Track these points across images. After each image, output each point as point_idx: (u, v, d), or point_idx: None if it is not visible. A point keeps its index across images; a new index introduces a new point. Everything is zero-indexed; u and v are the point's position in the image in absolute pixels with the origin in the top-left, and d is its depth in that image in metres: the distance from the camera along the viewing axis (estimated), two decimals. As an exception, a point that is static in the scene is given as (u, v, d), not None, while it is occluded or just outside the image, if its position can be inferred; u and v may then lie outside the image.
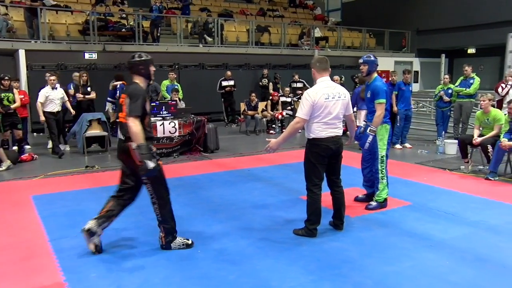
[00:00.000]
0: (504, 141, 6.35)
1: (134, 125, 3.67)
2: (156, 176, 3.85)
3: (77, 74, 10.22)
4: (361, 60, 5.13)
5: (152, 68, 4.07)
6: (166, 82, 11.31)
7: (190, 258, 3.89)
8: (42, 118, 8.54)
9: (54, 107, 8.68)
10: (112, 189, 6.16)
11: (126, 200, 4.16)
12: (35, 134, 11.52)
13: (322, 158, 4.24)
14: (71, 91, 9.87)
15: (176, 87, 10.87)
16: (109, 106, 10.82)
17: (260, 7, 19.97)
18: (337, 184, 4.48)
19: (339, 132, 4.30)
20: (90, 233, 3.91)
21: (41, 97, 8.53)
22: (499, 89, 9.33)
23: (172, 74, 11.42)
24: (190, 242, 4.14)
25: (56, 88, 8.73)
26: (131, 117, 3.70)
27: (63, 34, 13.20)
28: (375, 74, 5.15)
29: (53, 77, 8.72)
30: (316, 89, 4.22)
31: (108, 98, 10.80)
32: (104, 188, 6.25)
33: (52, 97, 8.64)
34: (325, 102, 4.16)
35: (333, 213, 4.56)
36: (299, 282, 3.44)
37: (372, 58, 5.11)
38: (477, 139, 6.85)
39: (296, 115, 4.29)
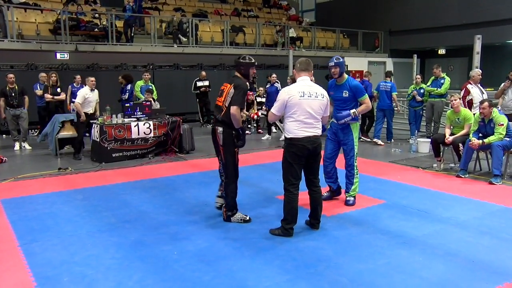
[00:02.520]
0: (474, 140, 6.51)
1: (237, 113, 4.47)
2: (232, 159, 4.64)
3: (43, 74, 10.00)
4: (332, 63, 5.19)
5: (253, 71, 4.78)
6: (140, 83, 11.15)
7: (164, 259, 3.85)
8: (83, 117, 8.41)
9: (89, 109, 8.58)
10: (85, 191, 6.11)
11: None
12: (4, 136, 11.20)
13: (299, 158, 4.25)
14: (38, 92, 9.66)
15: (150, 87, 10.75)
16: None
17: (234, 7, 19.95)
18: (314, 184, 4.50)
19: (317, 132, 4.30)
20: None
21: (80, 98, 8.46)
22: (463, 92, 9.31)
23: (147, 75, 11.26)
24: (248, 218, 4.75)
25: (94, 90, 8.72)
26: (234, 106, 4.46)
27: (32, 33, 12.87)
28: (346, 75, 5.27)
29: (92, 78, 8.73)
30: (292, 87, 4.31)
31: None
32: (78, 190, 6.15)
33: (90, 99, 8.57)
34: (299, 100, 4.19)
35: (310, 213, 4.58)
36: (275, 281, 3.45)
37: (342, 60, 5.22)
38: (449, 138, 7.02)
39: (271, 110, 4.44)
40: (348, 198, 5.44)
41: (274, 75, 13.56)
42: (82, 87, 10.39)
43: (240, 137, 4.64)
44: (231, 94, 4.52)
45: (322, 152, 4.55)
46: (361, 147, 9.68)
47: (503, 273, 3.55)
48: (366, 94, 5.32)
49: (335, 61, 5.17)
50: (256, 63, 4.82)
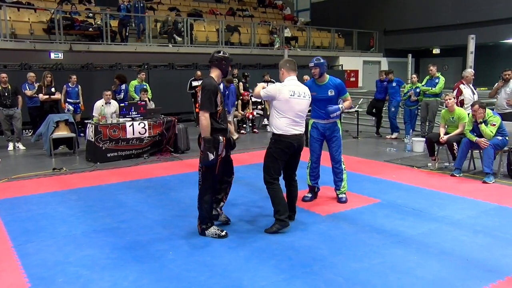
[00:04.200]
0: (480, 140, 6.49)
1: (204, 118, 4.11)
2: (210, 167, 4.23)
3: (32, 74, 9.91)
4: (312, 64, 5.22)
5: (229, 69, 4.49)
6: (134, 82, 11.00)
7: (160, 259, 3.84)
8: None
9: (107, 122, 8.44)
10: (80, 191, 6.09)
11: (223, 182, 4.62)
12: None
13: (284, 154, 4.44)
14: (28, 92, 9.58)
15: (144, 87, 10.70)
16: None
17: (229, 6, 19.95)
18: (293, 179, 4.72)
19: (302, 130, 4.51)
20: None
21: (95, 111, 8.60)
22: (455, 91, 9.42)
23: (142, 74, 11.01)
24: (223, 233, 4.32)
25: (110, 103, 8.76)
26: (201, 111, 4.13)
27: (26, 33, 12.81)
28: (327, 75, 5.34)
29: (108, 92, 8.82)
30: (283, 86, 4.43)
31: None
32: (72, 190, 6.13)
33: (105, 112, 8.53)
34: (290, 98, 4.36)
35: (288, 205, 4.61)
36: (270, 281, 3.45)
37: (322, 61, 5.24)
38: (443, 137, 7.04)
39: (260, 92, 4.54)
40: (340, 196, 5.49)
41: (267, 76, 13.58)
42: (77, 86, 10.40)
43: (212, 150, 4.09)
44: (200, 98, 4.19)
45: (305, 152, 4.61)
46: (356, 146, 9.75)
47: (497, 271, 3.58)
48: (347, 92, 5.48)
49: (315, 61, 5.21)
50: (230, 58, 4.39)
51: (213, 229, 4.36)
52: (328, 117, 5.29)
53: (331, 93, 5.27)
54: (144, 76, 10.98)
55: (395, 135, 10.56)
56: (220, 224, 4.64)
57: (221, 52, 4.36)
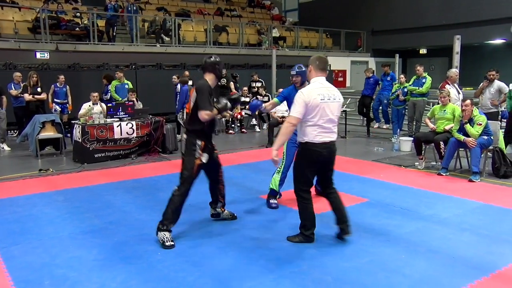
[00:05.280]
0: (469, 140, 6.56)
1: (208, 115, 4.13)
2: (189, 172, 4.26)
3: (18, 74, 9.78)
4: (294, 72, 5.17)
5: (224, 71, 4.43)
6: (114, 83, 10.60)
7: (148, 260, 3.82)
8: None
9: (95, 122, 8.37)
10: (67, 192, 6.02)
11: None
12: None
13: (313, 164, 4.04)
14: (14, 92, 9.44)
15: (126, 85, 10.52)
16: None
17: (217, 6, 19.92)
18: (330, 187, 4.28)
19: (334, 137, 4.05)
20: None
21: (82, 110, 8.68)
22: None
23: (118, 73, 10.68)
24: (168, 244, 4.07)
25: (97, 104, 8.82)
26: (202, 111, 4.12)
27: (10, 32, 12.63)
28: (307, 83, 5.21)
29: (95, 94, 8.99)
30: (310, 88, 3.96)
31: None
32: (59, 191, 6.06)
33: (93, 112, 8.53)
34: (320, 103, 3.88)
35: (336, 218, 4.24)
36: (259, 281, 3.45)
37: (304, 69, 5.15)
38: (433, 126, 7.26)
39: (290, 114, 3.99)
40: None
41: (255, 76, 13.59)
42: (66, 87, 10.29)
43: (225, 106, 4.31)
44: (194, 98, 4.27)
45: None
46: (344, 146, 9.79)
47: (482, 268, 3.62)
48: None
49: (297, 70, 5.18)
50: (222, 62, 4.47)
51: (165, 234, 4.14)
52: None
53: None
54: (121, 74, 10.66)
55: (386, 126, 10.80)
56: (225, 219, 4.82)
57: (212, 57, 4.41)
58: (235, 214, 4.90)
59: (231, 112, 11.76)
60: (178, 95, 10.65)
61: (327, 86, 4.01)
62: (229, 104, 4.34)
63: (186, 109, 4.57)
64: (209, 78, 4.35)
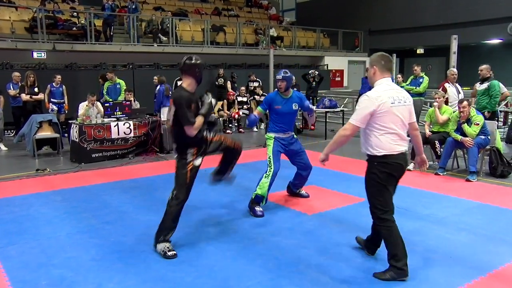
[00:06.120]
0: (466, 139, 6.57)
1: (194, 130, 3.85)
2: (184, 176, 4.03)
3: (17, 73, 9.76)
4: (279, 76, 5.14)
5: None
6: (107, 84, 10.57)
7: (145, 260, 3.81)
8: None
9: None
10: (64, 192, 6.00)
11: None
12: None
13: (393, 179, 3.53)
14: (12, 92, 9.42)
15: (118, 86, 10.51)
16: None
17: (215, 6, 19.90)
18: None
19: (407, 145, 3.58)
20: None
21: (80, 110, 8.70)
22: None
23: (109, 74, 10.62)
24: (170, 254, 3.86)
25: (93, 106, 8.86)
26: (187, 126, 3.82)
27: (7, 31, 12.59)
28: (291, 89, 5.29)
29: (93, 98, 8.86)
30: (379, 92, 3.41)
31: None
32: (56, 191, 6.04)
33: (91, 113, 8.56)
34: (391, 108, 3.38)
35: (372, 234, 3.89)
36: (257, 280, 3.45)
37: (289, 74, 5.18)
38: (429, 133, 7.19)
39: (349, 121, 3.49)
40: (303, 192, 5.70)
41: (253, 75, 13.55)
42: (62, 86, 10.27)
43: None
44: (173, 112, 3.88)
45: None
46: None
47: (479, 268, 3.63)
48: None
49: (283, 74, 5.12)
50: (203, 64, 4.03)
51: (166, 245, 3.94)
52: (289, 130, 5.27)
53: (295, 106, 5.25)
54: (112, 75, 10.62)
55: None
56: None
57: (193, 58, 3.96)
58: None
59: (228, 112, 11.77)
60: (155, 95, 10.95)
61: (395, 88, 3.54)
62: (213, 101, 4.01)
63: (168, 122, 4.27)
64: (187, 82, 3.95)
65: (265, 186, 5.05)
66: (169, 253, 3.87)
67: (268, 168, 5.11)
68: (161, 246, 3.92)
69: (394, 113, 3.39)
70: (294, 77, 5.40)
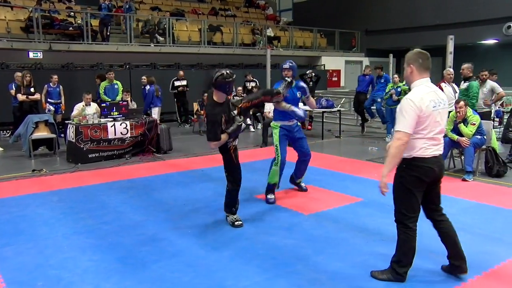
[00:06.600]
0: (462, 139, 6.59)
1: (215, 145, 4.38)
2: (228, 159, 4.56)
3: (19, 74, 9.74)
4: (286, 66, 5.52)
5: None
6: (104, 84, 10.53)
7: (143, 261, 3.81)
8: None
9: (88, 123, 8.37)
10: (61, 193, 5.99)
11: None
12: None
13: (421, 183, 3.34)
14: (12, 92, 9.41)
15: (116, 86, 10.48)
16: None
17: (212, 6, 19.87)
18: (439, 213, 3.60)
19: (442, 149, 3.42)
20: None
21: (75, 111, 8.61)
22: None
23: (110, 74, 10.63)
24: (238, 223, 4.60)
25: (90, 105, 8.77)
26: (209, 142, 4.34)
27: (2, 31, 12.53)
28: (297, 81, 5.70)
29: (89, 96, 8.84)
30: (420, 94, 3.23)
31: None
32: (53, 192, 6.03)
33: (86, 113, 8.50)
34: (433, 111, 3.21)
35: (449, 251, 3.55)
36: (254, 281, 3.45)
37: (294, 64, 5.61)
38: None
39: (395, 128, 3.27)
40: (303, 184, 6.02)
41: (249, 75, 13.55)
42: (59, 86, 10.24)
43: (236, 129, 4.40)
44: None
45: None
46: (338, 146, 9.82)
47: (475, 267, 3.64)
48: None
49: (289, 64, 5.54)
50: (232, 78, 4.30)
51: (233, 217, 4.67)
52: (292, 118, 5.56)
53: (299, 94, 5.66)
54: (112, 75, 10.64)
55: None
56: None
57: (224, 72, 4.25)
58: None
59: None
60: (144, 96, 11.03)
61: (435, 89, 3.33)
62: (243, 125, 4.42)
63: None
64: (217, 96, 4.34)
65: (275, 174, 5.50)
66: (236, 223, 4.61)
67: (276, 157, 5.54)
68: (230, 218, 4.66)
69: (435, 117, 3.23)
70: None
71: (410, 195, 3.33)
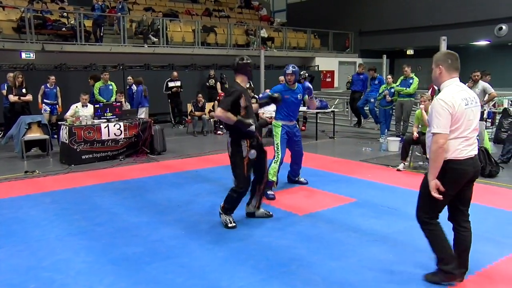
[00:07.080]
0: None
1: (221, 113, 4.34)
2: (240, 170, 4.48)
3: (11, 74, 9.67)
4: (289, 71, 5.81)
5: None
6: (98, 84, 10.53)
7: (136, 262, 3.79)
8: None
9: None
10: (54, 194, 5.96)
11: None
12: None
13: (456, 186, 3.23)
14: (4, 92, 9.35)
15: (110, 87, 10.46)
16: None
17: (205, 7, 19.86)
18: (465, 218, 3.44)
19: (476, 150, 3.29)
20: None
21: (68, 112, 8.61)
22: (430, 91, 9.94)
23: (105, 75, 10.70)
24: (231, 225, 4.55)
25: (86, 106, 8.71)
26: (218, 108, 4.39)
27: (-6, 31, 12.47)
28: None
29: (85, 96, 8.80)
30: (452, 93, 3.16)
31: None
32: (46, 193, 5.99)
33: (81, 114, 8.44)
34: (465, 110, 3.14)
35: (458, 259, 3.42)
36: (248, 281, 3.45)
37: (297, 69, 5.89)
38: (416, 135, 7.22)
39: (430, 131, 3.19)
40: (302, 179, 6.34)
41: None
42: (56, 88, 10.18)
43: (247, 123, 4.39)
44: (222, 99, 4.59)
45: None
46: (332, 146, 9.84)
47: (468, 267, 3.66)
48: None
49: (292, 69, 5.81)
50: (250, 61, 4.67)
51: (227, 217, 4.62)
52: (294, 118, 6.00)
53: (300, 96, 6.00)
54: (108, 76, 10.71)
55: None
56: (261, 217, 4.90)
57: (244, 58, 4.56)
58: (271, 213, 4.97)
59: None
60: (134, 95, 11.15)
61: (465, 89, 3.27)
62: (253, 127, 4.44)
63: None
64: (240, 79, 4.57)
65: (275, 170, 5.73)
66: (230, 225, 4.56)
67: (276, 155, 5.82)
68: (223, 218, 4.62)
69: (468, 115, 3.16)
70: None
71: (436, 198, 3.20)
